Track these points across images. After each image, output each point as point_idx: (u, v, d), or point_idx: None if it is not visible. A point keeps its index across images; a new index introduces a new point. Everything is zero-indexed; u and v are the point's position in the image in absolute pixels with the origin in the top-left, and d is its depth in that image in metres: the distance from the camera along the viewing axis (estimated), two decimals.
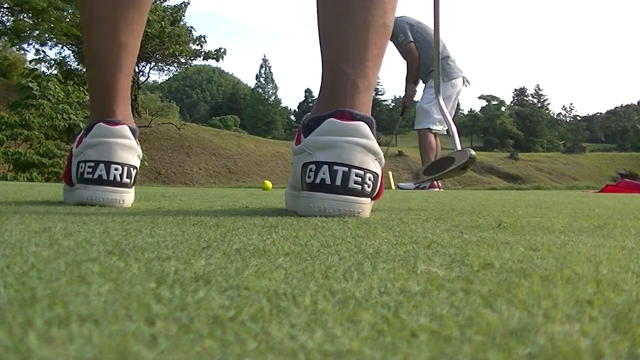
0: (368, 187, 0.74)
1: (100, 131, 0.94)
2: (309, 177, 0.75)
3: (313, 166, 0.74)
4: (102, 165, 0.92)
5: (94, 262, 0.35)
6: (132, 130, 0.98)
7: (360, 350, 0.19)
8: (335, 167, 0.73)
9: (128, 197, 0.95)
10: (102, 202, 0.92)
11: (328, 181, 0.73)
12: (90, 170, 0.92)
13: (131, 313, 0.22)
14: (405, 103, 4.35)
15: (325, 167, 0.73)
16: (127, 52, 0.99)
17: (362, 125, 0.75)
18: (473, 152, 1.06)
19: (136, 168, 0.97)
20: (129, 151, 0.95)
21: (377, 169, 0.76)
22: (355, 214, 0.74)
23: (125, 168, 0.93)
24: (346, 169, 0.73)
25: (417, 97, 4.25)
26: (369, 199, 0.75)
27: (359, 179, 0.73)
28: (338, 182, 0.72)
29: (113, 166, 0.92)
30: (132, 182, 0.96)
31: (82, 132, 0.99)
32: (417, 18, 4.18)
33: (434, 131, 3.95)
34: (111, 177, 0.92)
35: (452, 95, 4.00)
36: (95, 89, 1.00)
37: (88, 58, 1.02)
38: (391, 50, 4.24)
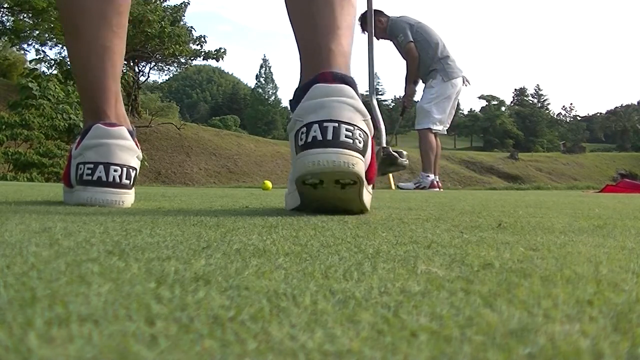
0: (359, 142, 0.74)
1: (98, 132, 0.94)
2: (301, 139, 0.74)
3: (304, 129, 0.74)
4: (101, 167, 0.92)
5: (94, 262, 0.35)
6: (130, 132, 0.98)
7: (360, 350, 0.19)
8: (326, 124, 0.73)
9: (128, 198, 0.95)
10: (102, 204, 0.92)
11: (320, 137, 0.73)
12: (90, 171, 0.92)
13: (131, 313, 0.22)
14: (405, 103, 4.35)
15: (315, 126, 0.73)
16: (113, 55, 1.00)
17: (346, 88, 0.76)
18: (385, 146, 1.11)
19: (135, 169, 0.97)
20: (128, 152, 0.95)
21: (366, 128, 0.76)
22: (349, 166, 0.72)
23: (125, 169, 0.93)
24: (336, 124, 0.73)
25: (417, 97, 4.25)
26: (361, 155, 0.74)
27: (349, 134, 0.73)
28: (329, 136, 0.72)
29: (112, 167, 0.92)
30: (131, 183, 0.95)
31: (80, 134, 0.99)
32: (417, 18, 4.18)
33: (434, 131, 3.96)
34: (110, 179, 0.92)
35: (452, 95, 4.00)
36: (87, 95, 1.01)
37: (74, 65, 1.03)
38: (391, 50, 4.24)
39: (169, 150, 13.01)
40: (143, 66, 15.21)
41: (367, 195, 0.81)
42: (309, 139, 0.73)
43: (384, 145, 1.15)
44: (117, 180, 0.93)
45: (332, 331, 0.21)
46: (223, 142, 14.50)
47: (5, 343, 0.18)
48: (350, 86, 0.77)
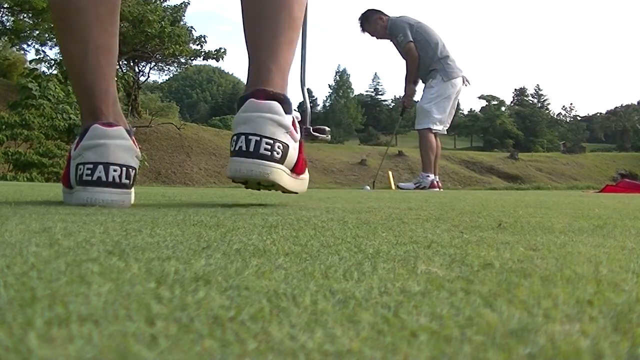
0: (277, 153, 0.90)
1: (97, 133, 0.94)
2: (232, 146, 0.91)
3: (235, 137, 0.91)
4: (100, 167, 0.92)
5: (94, 262, 0.35)
6: (128, 131, 0.98)
7: (360, 350, 0.19)
8: (250, 137, 0.89)
9: (127, 197, 0.95)
10: (102, 204, 0.92)
11: (244, 148, 0.89)
12: (89, 172, 0.92)
13: (131, 313, 0.22)
14: (405, 103, 4.35)
15: (242, 137, 0.90)
16: (108, 55, 1.01)
17: (274, 104, 0.90)
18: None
19: (135, 169, 0.97)
20: (127, 152, 0.95)
21: (288, 140, 0.92)
22: (264, 175, 0.89)
23: (124, 169, 0.94)
24: (258, 138, 0.89)
25: (417, 97, 4.25)
26: (279, 164, 0.91)
27: (269, 147, 0.89)
28: (251, 148, 0.89)
29: (112, 167, 0.92)
30: (131, 182, 0.96)
31: (79, 135, 0.99)
32: (417, 18, 4.18)
33: (434, 131, 3.95)
34: (110, 179, 0.92)
35: (452, 95, 4.00)
36: (84, 95, 1.01)
37: (70, 65, 1.04)
38: (392, 50, 4.23)
39: (169, 150, 13.00)
40: (143, 66, 15.20)
41: (294, 182, 0.98)
42: (236, 148, 0.90)
43: (308, 126, 1.44)
44: (117, 180, 0.93)
45: (332, 331, 0.21)
46: (223, 142, 14.49)
47: (5, 343, 0.18)
48: (281, 103, 0.91)
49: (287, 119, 0.91)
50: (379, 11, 4.14)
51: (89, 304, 0.24)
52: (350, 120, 54.29)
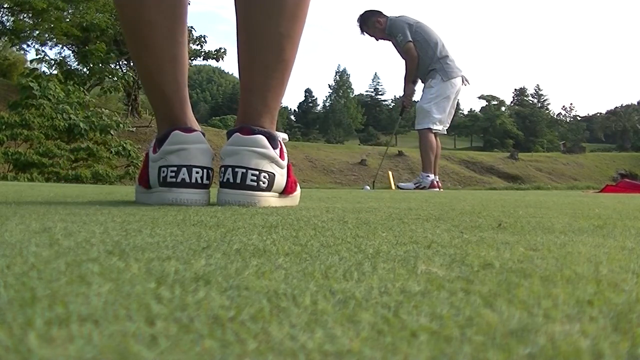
0: (263, 183, 0.97)
1: (178, 138, 1.01)
2: (220, 177, 0.99)
3: (223, 168, 0.99)
4: (184, 169, 1.00)
5: (94, 262, 0.35)
6: (203, 134, 1.06)
7: (360, 351, 0.19)
8: (237, 169, 0.96)
9: (208, 196, 1.03)
10: (186, 203, 0.99)
11: (231, 180, 0.96)
12: (173, 174, 1.00)
13: (131, 313, 0.22)
14: (405, 103, 4.34)
15: (229, 169, 0.97)
16: (181, 65, 1.08)
17: (260, 138, 0.97)
18: None
19: (212, 169, 1.05)
20: (206, 155, 1.03)
21: (274, 169, 0.99)
22: (252, 204, 0.96)
23: (205, 170, 1.02)
24: (244, 170, 0.95)
25: (416, 97, 4.24)
26: (266, 192, 0.98)
27: (255, 178, 0.96)
28: (238, 180, 0.95)
29: (194, 170, 1.00)
30: (210, 182, 1.04)
31: (155, 140, 1.07)
32: (416, 18, 4.18)
33: (434, 131, 3.95)
34: (193, 180, 1.00)
35: (452, 94, 4.00)
36: (162, 104, 1.09)
37: (145, 77, 1.11)
38: (391, 50, 4.23)
39: None
40: None
41: (284, 201, 1.04)
42: (224, 179, 0.98)
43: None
44: (199, 181, 1.01)
45: (332, 331, 0.21)
46: (223, 142, 14.47)
47: (5, 343, 0.18)
48: (267, 137, 0.97)
49: (272, 151, 0.97)
50: (378, 12, 4.13)
51: (89, 304, 0.24)
52: (350, 120, 54.30)
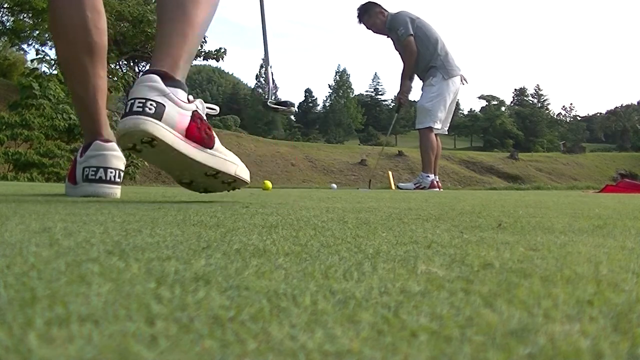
0: (149, 109, 1.07)
1: (99, 147, 1.36)
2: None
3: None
4: (102, 170, 1.34)
5: (94, 262, 0.35)
6: (117, 144, 1.36)
7: (360, 350, 0.19)
8: (129, 102, 1.09)
9: (119, 191, 1.38)
10: (102, 195, 1.32)
11: (126, 110, 1.08)
12: (94, 173, 1.34)
13: (131, 313, 0.22)
14: (401, 99, 4.30)
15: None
16: (101, 92, 1.40)
17: (151, 76, 1.10)
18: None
19: (123, 171, 1.39)
20: (118, 160, 1.37)
21: (165, 102, 1.10)
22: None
23: (117, 171, 1.37)
24: (133, 100, 1.08)
25: (413, 95, 4.23)
26: (153, 118, 1.07)
27: (141, 105, 1.07)
28: (127, 109, 1.08)
29: (109, 170, 1.35)
30: (121, 180, 1.38)
31: (82, 147, 1.40)
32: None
33: (435, 130, 3.95)
34: (108, 178, 1.35)
35: (452, 93, 3.99)
36: (86, 121, 1.41)
37: (75, 100, 1.48)
38: (392, 49, 4.22)
39: None
40: (143, 66, 15.19)
41: (199, 153, 1.12)
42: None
43: (270, 100, 1.61)
44: (113, 179, 1.36)
45: (332, 331, 0.21)
46: (223, 142, 14.47)
47: (5, 343, 0.18)
48: (162, 76, 1.10)
49: (161, 85, 1.08)
50: (380, 5, 4.11)
51: (89, 304, 0.24)
52: (350, 120, 54.30)
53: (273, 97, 1.67)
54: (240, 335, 0.20)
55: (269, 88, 1.70)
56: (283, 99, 1.66)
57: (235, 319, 0.22)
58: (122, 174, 1.38)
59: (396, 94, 4.34)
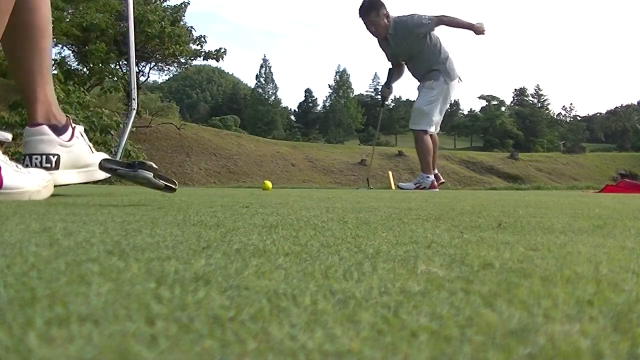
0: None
1: (26, 132, 1.36)
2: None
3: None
4: (27, 157, 1.35)
5: (94, 262, 0.35)
6: (53, 127, 1.35)
7: (360, 350, 0.19)
8: (31, 155, 1.26)
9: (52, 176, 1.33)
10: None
11: (24, 165, 1.18)
12: (22, 161, 1.35)
13: (131, 313, 0.22)
14: (383, 93, 4.30)
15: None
16: (39, 73, 1.39)
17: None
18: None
19: (56, 154, 1.36)
20: (48, 144, 1.35)
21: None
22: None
23: (43, 157, 1.34)
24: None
25: (398, 94, 4.23)
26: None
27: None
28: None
29: (34, 156, 1.35)
30: (52, 165, 1.35)
31: None
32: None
33: (429, 133, 3.95)
34: (32, 165, 1.34)
35: (450, 96, 4.00)
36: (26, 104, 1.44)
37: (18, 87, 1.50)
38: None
39: (169, 150, 13.00)
40: (143, 66, 15.20)
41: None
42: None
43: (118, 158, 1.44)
44: (39, 165, 1.33)
45: (332, 331, 0.21)
46: (223, 142, 14.50)
47: (5, 343, 0.18)
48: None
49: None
50: (387, 8, 4.09)
51: (89, 304, 0.24)
52: (350, 120, 54.28)
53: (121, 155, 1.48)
54: (240, 335, 0.20)
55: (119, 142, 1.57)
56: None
57: (235, 319, 0.22)
58: (53, 157, 1.35)
59: (381, 88, 4.37)
